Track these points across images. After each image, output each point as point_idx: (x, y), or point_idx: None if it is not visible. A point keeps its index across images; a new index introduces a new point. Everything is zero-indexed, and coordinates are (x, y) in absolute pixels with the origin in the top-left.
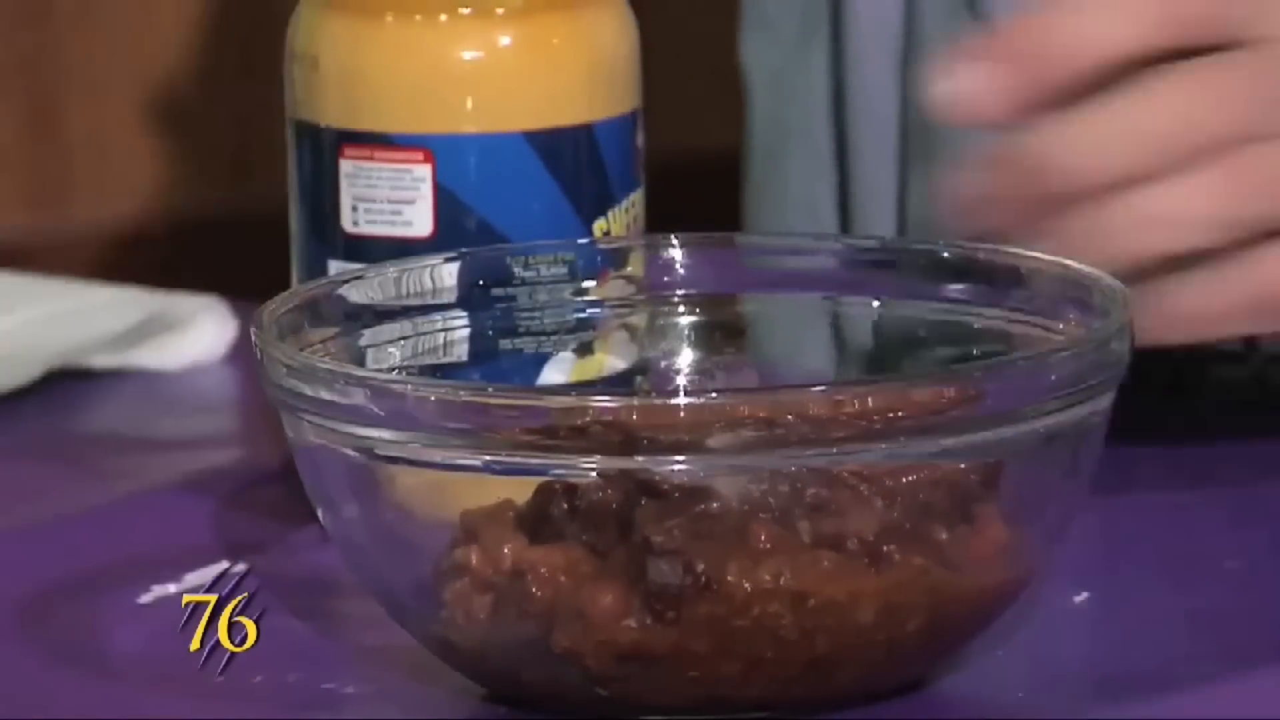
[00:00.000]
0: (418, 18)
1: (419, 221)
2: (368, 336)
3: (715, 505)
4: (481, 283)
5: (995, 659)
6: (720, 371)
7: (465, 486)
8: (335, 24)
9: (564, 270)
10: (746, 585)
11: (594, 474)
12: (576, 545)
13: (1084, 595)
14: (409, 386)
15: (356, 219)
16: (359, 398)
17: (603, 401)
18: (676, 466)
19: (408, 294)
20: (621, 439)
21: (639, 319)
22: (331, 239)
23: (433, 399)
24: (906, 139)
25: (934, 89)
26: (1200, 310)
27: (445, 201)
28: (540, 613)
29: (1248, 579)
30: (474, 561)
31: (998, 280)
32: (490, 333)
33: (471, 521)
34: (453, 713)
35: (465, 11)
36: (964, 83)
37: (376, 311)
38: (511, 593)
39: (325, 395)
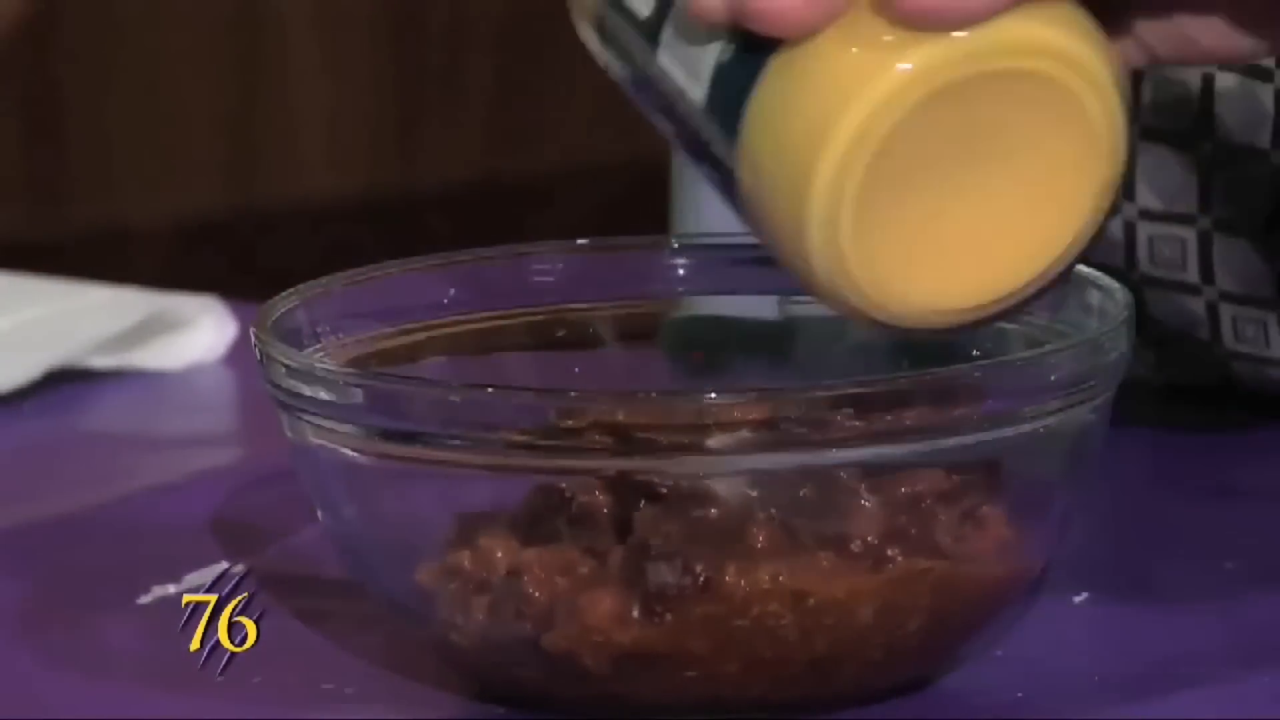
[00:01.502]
0: None
1: None
2: (367, 337)
3: (714, 506)
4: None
5: (995, 659)
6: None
7: None
8: None
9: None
10: (745, 585)
11: (592, 475)
12: (573, 546)
13: (1084, 595)
14: (408, 387)
15: None
16: (358, 398)
17: (601, 402)
18: (675, 467)
19: (408, 294)
20: (620, 440)
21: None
22: None
23: (432, 400)
24: None
25: None
26: None
27: None
28: (538, 614)
29: (1248, 579)
30: (466, 565)
31: None
32: (491, 333)
33: (466, 523)
34: (451, 713)
35: None
36: None
37: (375, 312)
38: (509, 594)
39: (325, 395)
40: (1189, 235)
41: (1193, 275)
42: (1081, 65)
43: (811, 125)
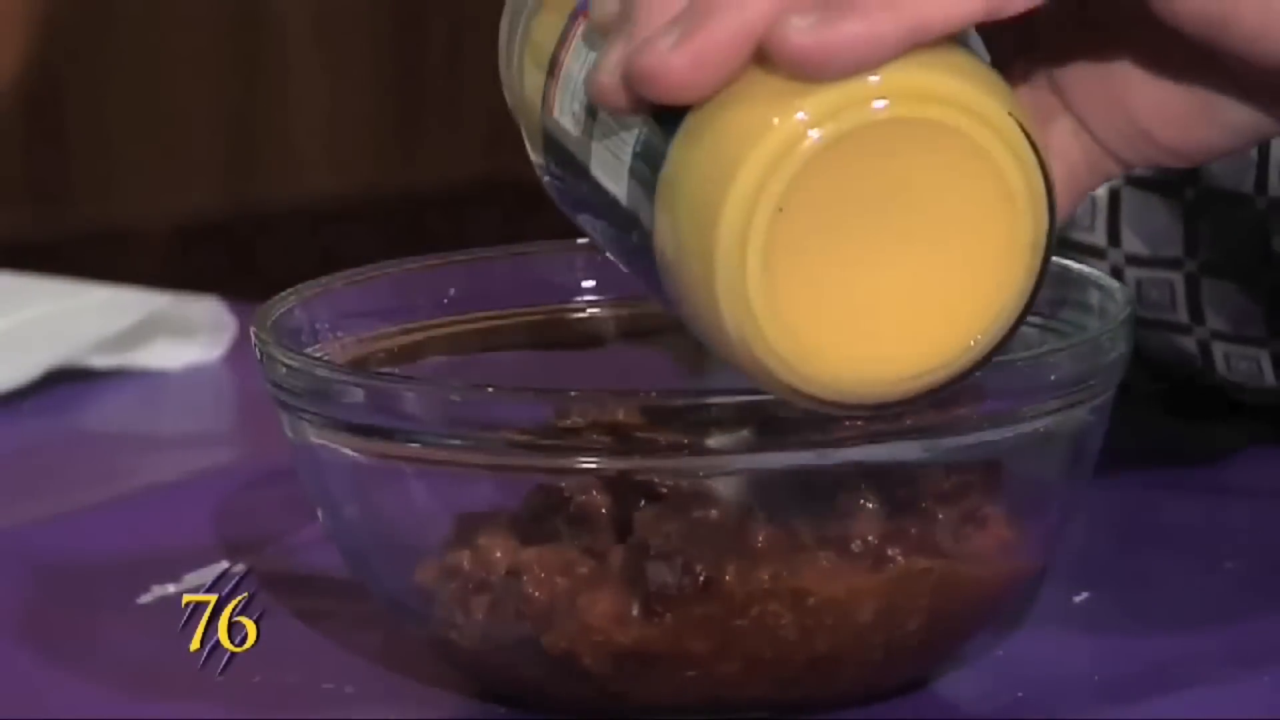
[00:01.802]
0: None
1: None
2: (367, 337)
3: (714, 506)
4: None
5: (995, 659)
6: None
7: None
8: None
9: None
10: (745, 585)
11: (592, 474)
12: (573, 546)
13: (1084, 595)
14: (408, 387)
15: None
16: (358, 398)
17: (602, 402)
18: (675, 467)
19: (408, 294)
20: (620, 439)
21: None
22: None
23: (432, 399)
24: None
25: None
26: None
27: None
28: (538, 614)
29: (1248, 579)
30: (466, 565)
31: None
32: (492, 333)
33: (466, 523)
34: (452, 713)
35: None
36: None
37: (375, 312)
38: (509, 594)
39: (325, 395)
40: (1176, 278)
41: (1182, 316)
42: (983, 114)
43: (711, 187)
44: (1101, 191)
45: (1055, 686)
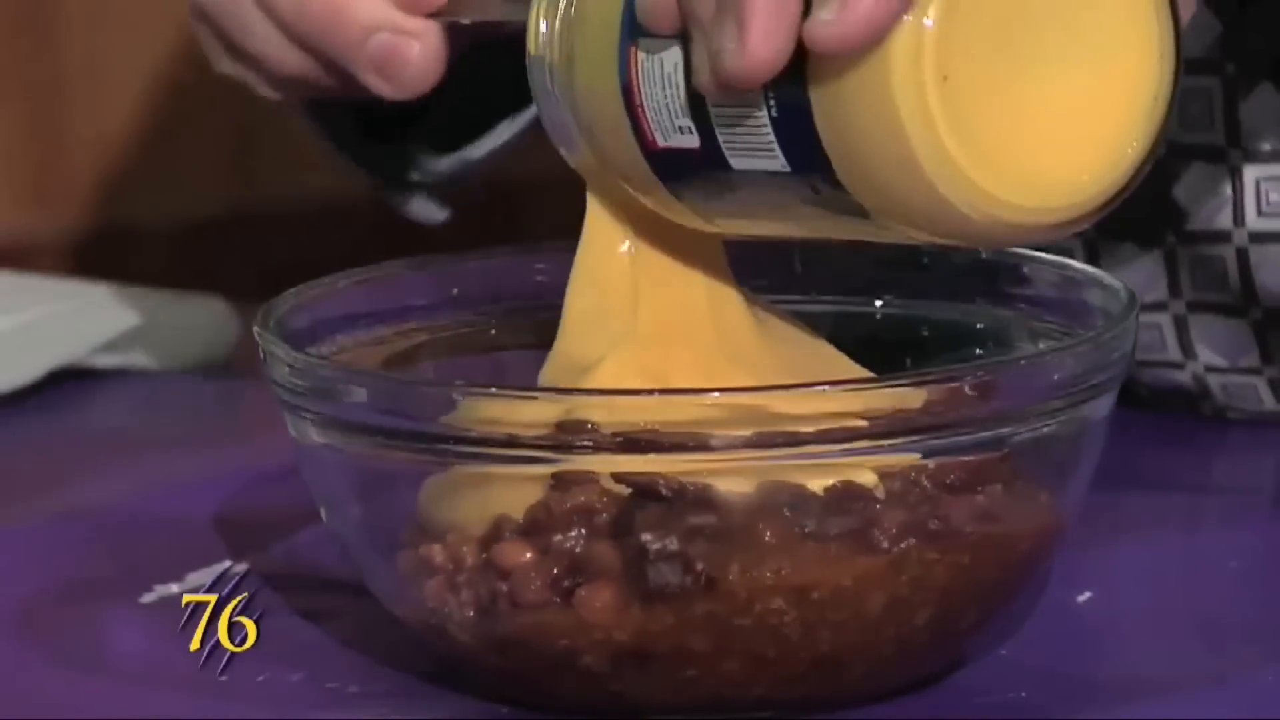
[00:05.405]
0: None
1: None
2: (370, 336)
3: (714, 504)
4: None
5: (999, 658)
6: None
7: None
8: None
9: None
10: (746, 583)
11: (594, 472)
12: (573, 544)
13: (1087, 595)
14: (410, 386)
15: None
16: (361, 397)
17: (603, 401)
18: (676, 466)
19: (411, 294)
20: (622, 438)
21: None
22: None
23: (434, 399)
24: None
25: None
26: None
27: None
28: (537, 611)
29: (1249, 579)
30: (465, 563)
31: (1000, 280)
32: (493, 332)
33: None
34: (453, 711)
35: None
36: None
37: (377, 311)
38: (508, 592)
39: (327, 394)
40: (1164, 320)
41: (1174, 355)
42: None
43: (871, 76)
44: (1077, 244)
45: (1058, 686)
